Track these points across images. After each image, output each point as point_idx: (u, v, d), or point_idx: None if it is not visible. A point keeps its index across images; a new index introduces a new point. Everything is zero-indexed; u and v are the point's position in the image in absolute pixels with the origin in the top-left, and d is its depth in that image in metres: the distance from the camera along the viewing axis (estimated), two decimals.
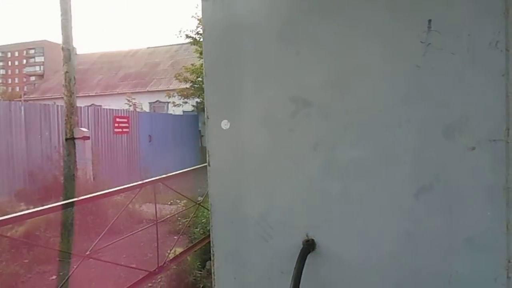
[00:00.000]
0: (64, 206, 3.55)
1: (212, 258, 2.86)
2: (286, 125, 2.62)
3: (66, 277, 3.35)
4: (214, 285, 2.90)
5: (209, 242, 5.03)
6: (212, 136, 2.77)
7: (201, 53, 23.41)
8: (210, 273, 4.95)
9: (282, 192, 2.61)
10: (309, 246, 2.52)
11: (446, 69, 2.31)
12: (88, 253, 3.61)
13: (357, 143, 2.47)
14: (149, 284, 4.70)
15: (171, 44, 38.57)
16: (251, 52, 2.73)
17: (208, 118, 2.79)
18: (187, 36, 24.47)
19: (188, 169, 6.51)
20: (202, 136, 16.45)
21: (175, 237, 5.39)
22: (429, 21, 2.30)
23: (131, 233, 5.84)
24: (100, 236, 3.79)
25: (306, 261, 2.40)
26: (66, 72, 10.47)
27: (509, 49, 2.19)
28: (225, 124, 2.72)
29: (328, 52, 2.58)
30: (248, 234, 2.70)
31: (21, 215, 2.94)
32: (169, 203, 8.62)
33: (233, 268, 2.78)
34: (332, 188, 2.51)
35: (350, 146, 2.49)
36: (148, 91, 31.79)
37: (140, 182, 4.35)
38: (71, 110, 10.05)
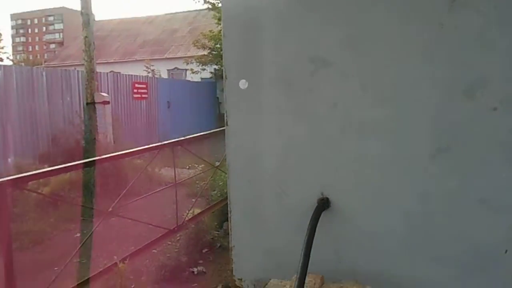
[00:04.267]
0: (86, 164, 3.68)
1: (229, 215, 2.96)
2: (305, 85, 2.63)
3: (90, 234, 3.53)
4: (231, 241, 3.00)
5: (226, 204, 5.15)
6: (230, 96, 2.80)
7: (219, 19, 23.05)
8: (227, 233, 5.11)
9: (298, 151, 2.65)
10: (323, 204, 2.57)
11: (471, 27, 2.25)
12: (110, 209, 3.76)
13: (375, 103, 2.46)
14: (169, 242, 4.90)
15: (189, 10, 37.98)
16: (270, 12, 2.70)
17: (226, 78, 2.81)
18: (205, 1, 24.04)
19: (207, 132, 6.60)
20: (220, 103, 16.48)
21: (193, 199, 5.54)
22: None
23: (151, 193, 6.04)
24: (121, 195, 3.93)
25: (320, 218, 2.46)
26: (86, 37, 10.52)
27: None
28: (243, 84, 2.74)
29: (347, 12, 2.53)
30: (264, 192, 2.77)
31: (46, 171, 3.08)
32: (187, 167, 8.80)
33: (249, 224, 2.87)
34: (349, 148, 2.53)
35: (368, 106, 2.48)
36: (166, 58, 31.65)
37: (159, 144, 4.44)
38: (91, 75, 10.17)
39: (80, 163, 3.65)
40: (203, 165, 7.89)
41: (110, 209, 3.79)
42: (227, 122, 2.83)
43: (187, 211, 4.88)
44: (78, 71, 11.75)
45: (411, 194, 2.41)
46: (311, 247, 2.23)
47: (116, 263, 3.51)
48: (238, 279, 2.98)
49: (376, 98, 2.46)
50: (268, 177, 2.74)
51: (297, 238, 2.31)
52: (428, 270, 2.42)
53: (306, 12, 2.62)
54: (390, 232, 2.50)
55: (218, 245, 4.85)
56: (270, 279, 2.41)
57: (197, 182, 7.25)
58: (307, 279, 2.09)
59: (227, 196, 5.47)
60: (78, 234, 5.80)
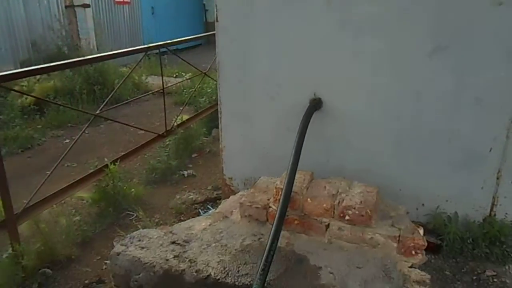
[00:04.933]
0: (69, 67, 3.50)
1: (219, 115, 2.92)
2: None
3: (78, 136, 3.49)
4: (222, 142, 3.01)
5: (215, 111, 5.09)
6: None
7: None
8: (216, 140, 5.12)
9: (292, 49, 2.53)
10: (316, 104, 2.54)
11: None
12: (98, 112, 3.69)
13: None
14: (158, 148, 4.93)
15: None
16: None
17: None
18: None
19: (194, 36, 6.28)
20: (207, 10, 15.57)
21: (181, 107, 5.47)
22: None
23: (138, 97, 5.95)
24: (108, 98, 3.83)
25: (312, 118, 2.44)
26: None
27: None
28: None
29: None
30: (255, 92, 2.71)
31: (27, 70, 2.91)
32: (174, 75, 8.56)
33: (240, 125, 2.85)
34: (344, 46, 2.42)
35: (367, 2, 2.33)
36: None
37: (145, 46, 4.22)
38: None
39: (64, 63, 3.47)
40: (190, 73, 7.68)
41: (98, 111, 3.71)
42: (217, 18, 2.66)
43: (175, 117, 4.86)
44: None
45: (405, 93, 2.37)
46: (302, 145, 2.24)
47: (107, 165, 3.54)
48: (229, 178, 3.05)
49: None
50: (259, 76, 2.66)
51: (288, 138, 2.32)
52: (415, 169, 2.48)
53: None
54: (380, 132, 2.51)
55: (207, 150, 4.90)
56: (260, 177, 2.45)
57: (184, 90, 7.13)
58: (297, 175, 2.13)
59: (215, 103, 5.41)
60: (67, 140, 5.78)
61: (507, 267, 2.32)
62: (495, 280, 2.25)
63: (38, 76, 7.47)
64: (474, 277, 2.28)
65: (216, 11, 2.65)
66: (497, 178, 2.34)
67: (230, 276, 1.86)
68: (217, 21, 2.67)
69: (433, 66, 2.27)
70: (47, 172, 3.29)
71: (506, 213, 2.39)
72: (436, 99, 2.30)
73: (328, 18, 2.45)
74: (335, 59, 2.48)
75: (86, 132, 6.13)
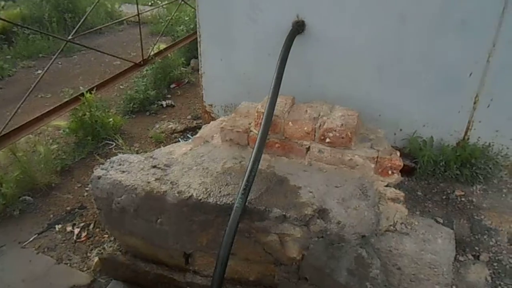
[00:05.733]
0: None
1: (198, 39, 2.81)
2: None
3: (49, 64, 3.30)
4: (201, 68, 2.93)
5: (193, 41, 4.90)
6: None
7: None
8: (195, 70, 5.00)
9: None
10: (298, 27, 2.46)
11: None
12: (70, 37, 3.48)
13: None
14: (135, 78, 4.76)
15: None
16: None
17: None
18: None
19: None
20: None
21: (157, 38, 5.20)
22: None
23: (111, 23, 5.63)
24: (80, 23, 3.58)
25: (294, 42, 2.37)
26: None
27: None
28: None
29: None
30: (236, 14, 2.59)
31: None
32: (149, 3, 8.08)
33: (220, 49, 2.76)
34: None
35: None
36: None
37: None
38: None
39: None
40: (166, 0, 7.29)
41: (70, 37, 3.50)
42: None
43: (152, 47, 4.66)
44: None
45: (390, 16, 2.30)
46: (283, 69, 2.19)
47: (82, 93, 3.42)
48: (209, 104, 3.00)
49: None
50: None
51: (270, 62, 2.26)
52: (395, 94, 2.49)
53: None
54: (362, 57, 2.46)
55: (186, 80, 4.77)
56: (241, 103, 2.43)
57: (160, 19, 6.78)
58: (278, 99, 2.11)
59: (193, 33, 5.19)
60: (39, 71, 5.52)
61: (474, 188, 2.44)
62: (463, 199, 2.37)
63: (2, 3, 6.96)
64: (444, 197, 2.40)
65: None
66: (474, 103, 2.38)
67: (212, 197, 1.89)
68: None
69: None
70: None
71: (478, 137, 2.47)
72: (422, 22, 2.25)
73: None
74: None
75: (59, 62, 5.88)
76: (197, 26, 2.74)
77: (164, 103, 4.26)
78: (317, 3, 2.40)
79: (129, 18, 6.14)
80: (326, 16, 2.42)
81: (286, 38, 2.34)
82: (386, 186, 1.99)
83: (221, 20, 2.64)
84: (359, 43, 2.42)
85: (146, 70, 4.57)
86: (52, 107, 3.35)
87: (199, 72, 2.95)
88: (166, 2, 6.97)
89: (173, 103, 4.31)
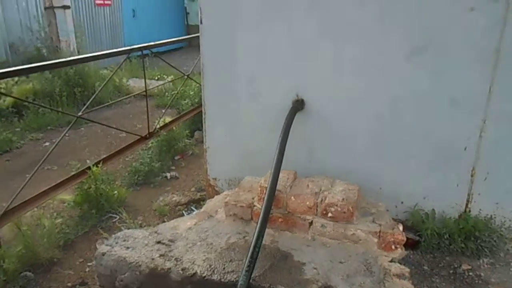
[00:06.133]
0: (49, 66, 3.41)
1: (203, 116, 2.95)
2: None
3: (59, 139, 3.43)
4: (206, 142, 3.04)
5: (197, 114, 5.09)
6: None
7: None
8: (199, 142, 5.14)
9: (275, 51, 2.59)
10: (298, 105, 2.60)
11: None
12: (80, 114, 3.64)
13: (354, 2, 2.38)
14: (141, 150, 4.89)
15: None
16: None
17: None
18: None
19: (177, 38, 6.30)
20: (188, 13, 15.55)
21: (163, 110, 5.44)
22: None
23: (120, 99, 5.90)
24: (90, 100, 3.79)
25: (295, 119, 2.50)
26: None
27: None
28: None
29: None
30: (239, 93, 2.75)
31: (7, 71, 2.86)
32: (156, 78, 8.49)
33: (224, 126, 2.89)
34: (325, 49, 2.49)
35: (346, 6, 2.40)
36: None
37: (127, 48, 4.18)
38: None
39: (43, 65, 3.43)
40: (172, 76, 7.67)
41: (80, 113, 3.68)
42: (201, 20, 2.69)
43: (158, 119, 4.85)
44: None
45: (384, 95, 2.45)
46: (285, 145, 2.29)
47: (89, 167, 3.51)
48: (213, 178, 3.07)
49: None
50: (243, 77, 2.70)
51: (272, 139, 2.36)
52: (394, 168, 2.56)
53: None
54: (361, 133, 2.58)
55: (190, 152, 4.90)
56: (244, 177, 2.49)
57: (166, 93, 7.10)
58: (281, 174, 2.18)
59: (198, 106, 5.41)
60: (47, 143, 5.69)
61: (481, 261, 2.42)
62: (471, 273, 2.34)
63: (16, 78, 7.32)
64: (451, 271, 2.37)
65: (201, 13, 2.68)
66: (472, 176, 2.44)
67: (216, 274, 1.89)
68: (201, 23, 2.71)
69: (410, 68, 2.36)
70: (27, 175, 3.24)
71: (480, 209, 2.50)
72: (415, 101, 2.39)
73: (310, 22, 2.51)
74: (315, 62, 2.55)
75: (67, 135, 6.05)
76: (203, 103, 2.89)
77: (168, 175, 4.33)
78: (314, 84, 2.57)
79: (136, 94, 6.41)
80: (323, 95, 2.57)
81: (287, 115, 2.46)
82: (391, 261, 1.98)
83: (225, 99, 2.80)
84: (356, 120, 2.54)
85: (152, 143, 4.70)
86: (58, 181, 3.41)
87: (204, 147, 3.05)
88: (172, 76, 7.35)
89: (177, 175, 4.37)
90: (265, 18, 2.58)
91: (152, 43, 4.50)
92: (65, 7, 8.78)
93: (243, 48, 2.66)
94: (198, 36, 2.76)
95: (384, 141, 2.53)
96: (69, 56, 6.92)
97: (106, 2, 10.93)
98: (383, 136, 2.52)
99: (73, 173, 3.49)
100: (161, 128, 4.68)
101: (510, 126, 2.29)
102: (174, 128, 4.97)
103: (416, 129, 2.44)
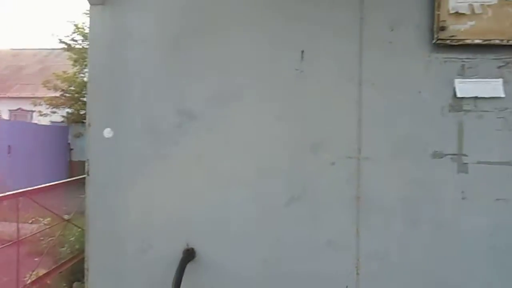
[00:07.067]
0: None
1: (86, 273, 2.72)
2: (171, 137, 2.69)
3: None
4: None
5: (77, 262, 4.66)
6: (93, 144, 2.69)
7: (75, 60, 21.55)
8: None
9: (163, 202, 2.65)
10: (189, 255, 2.59)
11: (314, 94, 2.67)
12: None
13: (237, 156, 2.66)
14: None
15: (40, 48, 34.87)
16: (139, 62, 2.75)
17: (89, 125, 2.70)
18: (61, 41, 22.38)
19: (56, 182, 5.94)
20: (72, 149, 15.17)
21: (37, 259, 4.82)
22: (302, 52, 2.65)
23: None
24: None
25: (187, 269, 2.46)
26: None
27: (361, 84, 2.65)
28: (108, 132, 2.67)
29: (213, 71, 2.74)
30: (126, 245, 2.65)
31: None
32: (29, 221, 7.66)
33: (109, 283, 2.68)
34: (213, 198, 2.64)
35: (230, 159, 2.66)
36: (8, 97, 28.03)
37: None
38: None
39: None
40: (49, 218, 7.04)
41: None
42: (88, 172, 2.68)
43: (30, 273, 4.26)
44: None
45: (269, 241, 2.61)
46: None
47: None
48: None
49: (237, 151, 2.67)
50: (131, 230, 2.65)
51: None
52: None
53: (175, 65, 2.74)
54: (251, 279, 2.63)
55: None
56: None
57: (41, 238, 6.41)
58: None
59: (78, 253, 4.96)
60: None
61: None
62: None
63: None
64: None
65: (88, 165, 2.69)
66: None
67: None
68: (88, 174, 2.69)
69: (290, 215, 2.60)
70: None
71: None
72: (296, 244, 2.59)
73: (197, 172, 2.69)
74: (204, 210, 2.66)
75: None
76: (85, 258, 2.70)
77: None
78: (203, 231, 2.64)
79: (5, 242, 5.68)
80: (213, 243, 2.63)
81: (177, 267, 2.43)
82: None
83: (111, 252, 2.67)
84: (246, 266, 2.61)
85: None
86: None
87: None
88: (49, 219, 6.76)
89: None
90: (154, 168, 2.69)
91: (29, 188, 4.22)
92: None
93: (130, 198, 2.69)
94: (81, 178, 2.71)
95: (272, 284, 2.61)
96: None
97: None
98: (272, 281, 2.60)
99: None
100: (32, 283, 4.11)
101: (380, 263, 2.57)
102: (48, 282, 4.40)
103: (300, 272, 2.59)
